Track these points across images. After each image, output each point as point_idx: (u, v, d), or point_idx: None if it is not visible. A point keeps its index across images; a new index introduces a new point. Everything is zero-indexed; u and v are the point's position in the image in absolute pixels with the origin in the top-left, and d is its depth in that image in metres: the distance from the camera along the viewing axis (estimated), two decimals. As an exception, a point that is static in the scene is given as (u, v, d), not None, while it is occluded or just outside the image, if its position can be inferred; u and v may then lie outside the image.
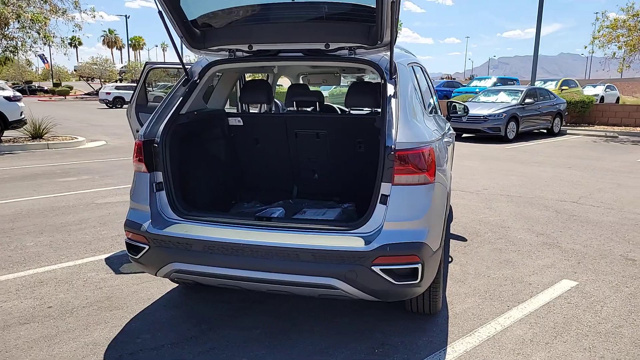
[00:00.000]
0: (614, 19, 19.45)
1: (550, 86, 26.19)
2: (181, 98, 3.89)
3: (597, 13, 20.77)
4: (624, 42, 19.23)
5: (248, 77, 7.91)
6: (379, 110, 4.94)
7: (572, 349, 3.48)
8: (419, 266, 3.09)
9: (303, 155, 4.72)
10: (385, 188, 3.17)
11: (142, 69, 5.81)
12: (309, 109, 4.85)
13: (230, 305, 4.19)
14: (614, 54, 20.23)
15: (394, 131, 3.22)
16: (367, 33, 3.53)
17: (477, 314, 3.99)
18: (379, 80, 3.97)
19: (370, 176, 4.62)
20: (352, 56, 3.69)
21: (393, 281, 3.07)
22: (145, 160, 3.64)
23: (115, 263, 5.12)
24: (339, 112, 6.39)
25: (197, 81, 4.00)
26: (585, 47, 22.54)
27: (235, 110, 5.68)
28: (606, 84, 30.02)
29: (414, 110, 3.54)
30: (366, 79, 6.65)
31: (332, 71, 6.27)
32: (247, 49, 3.81)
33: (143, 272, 4.62)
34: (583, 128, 20.41)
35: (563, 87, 26.29)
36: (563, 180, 9.83)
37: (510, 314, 3.99)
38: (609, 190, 8.83)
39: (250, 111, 5.39)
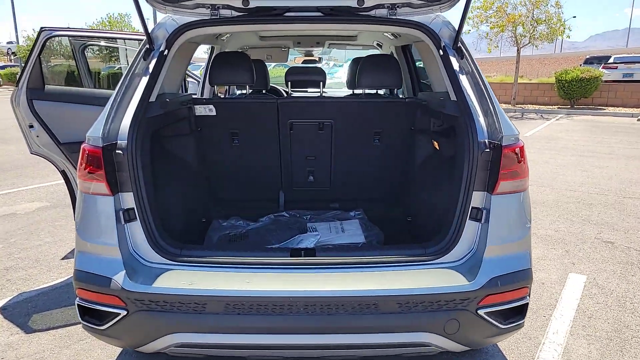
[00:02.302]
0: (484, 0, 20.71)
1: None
2: (147, 78, 2.60)
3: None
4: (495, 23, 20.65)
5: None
6: (393, 91, 4.04)
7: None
8: (528, 300, 2.38)
9: (298, 153, 3.67)
10: (478, 199, 2.37)
11: (36, 37, 4.09)
12: (307, 93, 3.76)
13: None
14: (487, 34, 21.70)
15: (482, 121, 2.40)
16: None
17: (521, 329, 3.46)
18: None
19: (387, 176, 3.80)
20: (393, 17, 2.74)
21: (500, 325, 2.34)
22: (107, 178, 2.33)
23: (19, 315, 3.57)
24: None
25: (166, 53, 2.72)
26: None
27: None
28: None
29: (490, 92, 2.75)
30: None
31: (339, 39, 4.99)
32: (241, 6, 2.63)
33: (71, 325, 3.23)
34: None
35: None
36: None
37: (556, 328, 3.55)
38: None
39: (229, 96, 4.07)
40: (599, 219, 6.02)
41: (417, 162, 3.48)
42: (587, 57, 30.98)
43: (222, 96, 4.83)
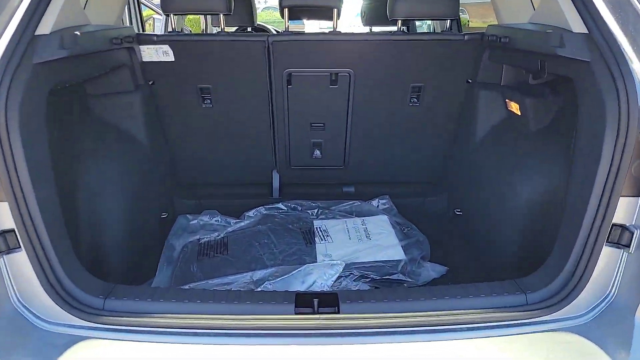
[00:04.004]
0: None
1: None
2: None
3: None
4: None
5: None
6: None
7: None
8: None
9: (300, 118, 2.53)
10: (626, 209, 1.43)
11: None
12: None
13: None
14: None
15: None
16: None
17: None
18: None
19: (428, 150, 2.71)
20: None
21: None
22: None
23: None
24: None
25: None
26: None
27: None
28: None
29: None
30: None
31: None
32: None
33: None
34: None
35: None
36: None
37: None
38: None
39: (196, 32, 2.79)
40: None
41: (476, 133, 2.36)
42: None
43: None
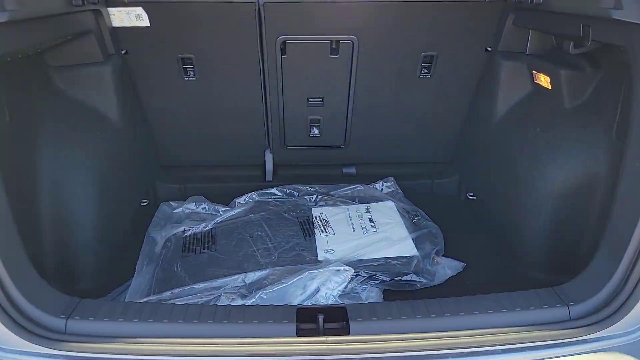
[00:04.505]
0: None
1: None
2: None
3: None
4: None
5: None
6: None
7: None
8: None
9: (295, 91, 2.24)
10: None
11: None
12: None
13: None
14: None
15: None
16: None
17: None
18: None
19: (438, 128, 2.44)
20: None
21: None
22: None
23: None
24: None
25: None
26: None
27: None
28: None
29: None
30: None
31: None
32: None
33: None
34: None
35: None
36: None
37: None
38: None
39: None
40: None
41: (495, 109, 2.09)
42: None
43: None
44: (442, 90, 2.26)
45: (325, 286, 1.43)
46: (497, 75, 2.07)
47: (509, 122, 2.04)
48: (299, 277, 1.46)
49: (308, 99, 2.27)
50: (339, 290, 1.43)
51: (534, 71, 1.92)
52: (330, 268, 1.47)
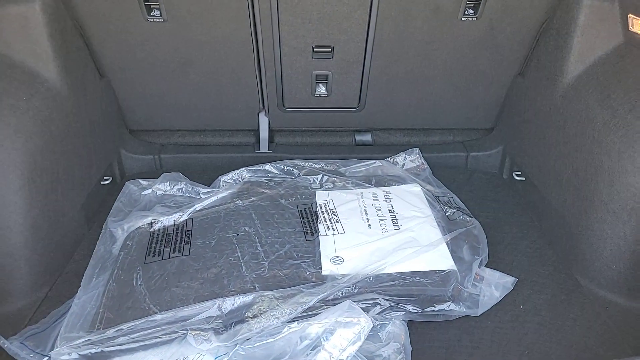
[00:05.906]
0: None
1: None
2: None
3: None
4: None
5: None
6: None
7: None
8: None
9: (295, 39, 1.71)
10: None
11: None
12: None
13: None
14: None
15: None
16: None
17: None
18: None
19: (482, 86, 1.90)
20: None
21: None
22: None
23: None
24: None
25: None
26: None
27: None
28: None
29: None
30: None
31: None
32: None
33: None
34: None
35: None
36: None
37: None
38: None
39: None
40: None
41: (564, 64, 1.56)
42: None
43: None
44: (492, 37, 1.70)
45: (330, 343, 0.99)
46: (571, 19, 1.51)
47: (587, 86, 1.50)
48: (291, 329, 1.01)
49: (313, 48, 1.73)
50: (349, 356, 0.98)
51: (630, 14, 1.36)
52: (338, 318, 1.01)
